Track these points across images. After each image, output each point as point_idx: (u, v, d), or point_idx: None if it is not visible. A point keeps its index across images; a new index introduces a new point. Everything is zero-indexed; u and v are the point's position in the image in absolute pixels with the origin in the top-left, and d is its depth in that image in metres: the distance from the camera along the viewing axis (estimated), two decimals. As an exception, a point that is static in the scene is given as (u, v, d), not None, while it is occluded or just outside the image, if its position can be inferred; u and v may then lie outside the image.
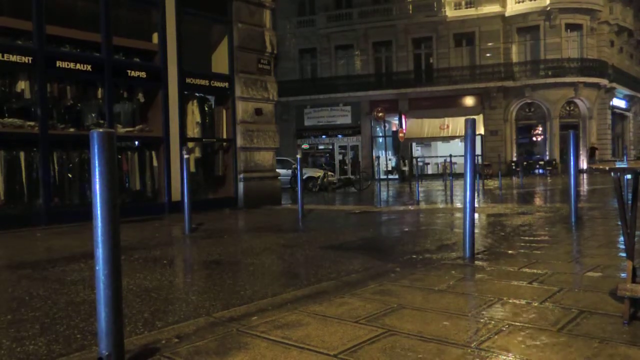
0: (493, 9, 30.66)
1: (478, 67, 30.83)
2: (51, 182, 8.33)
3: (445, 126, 30.28)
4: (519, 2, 30.44)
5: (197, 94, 10.78)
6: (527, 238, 5.44)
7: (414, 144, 32.81)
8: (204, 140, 10.89)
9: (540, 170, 28.73)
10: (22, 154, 8.15)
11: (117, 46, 9.29)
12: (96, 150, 2.16)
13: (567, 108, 30.70)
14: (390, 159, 31.21)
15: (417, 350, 2.21)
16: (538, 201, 12.16)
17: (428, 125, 30.88)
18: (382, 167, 26.46)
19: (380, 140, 33.05)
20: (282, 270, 4.55)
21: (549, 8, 29.49)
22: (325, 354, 2.20)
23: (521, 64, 30.71)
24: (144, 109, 10.06)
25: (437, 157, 30.24)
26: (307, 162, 29.56)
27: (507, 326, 2.49)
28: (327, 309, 2.89)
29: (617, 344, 2.22)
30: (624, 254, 3.95)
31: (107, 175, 2.16)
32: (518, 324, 2.53)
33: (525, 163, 26.96)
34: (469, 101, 30.91)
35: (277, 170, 12.65)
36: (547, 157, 29.88)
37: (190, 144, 10.30)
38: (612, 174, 2.70)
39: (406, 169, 28.16)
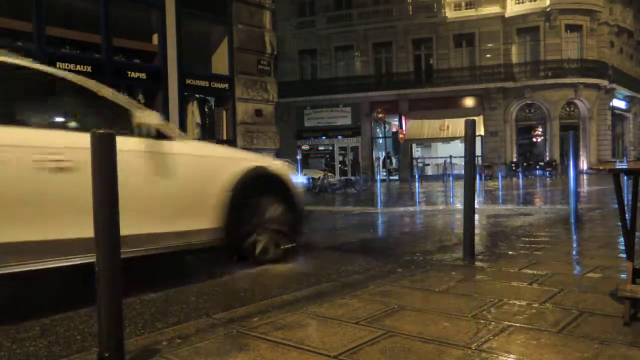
0: (493, 10, 30.68)
1: (478, 68, 30.85)
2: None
3: (445, 127, 30.29)
4: (518, 3, 30.47)
5: (197, 95, 10.76)
6: (527, 239, 5.43)
7: (414, 145, 32.80)
8: (204, 141, 10.89)
9: (540, 171, 28.74)
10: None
11: (117, 47, 9.27)
12: (96, 152, 2.16)
13: (567, 109, 30.72)
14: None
15: (417, 352, 2.21)
16: (538, 202, 12.16)
17: (428, 126, 30.89)
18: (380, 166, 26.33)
19: (381, 141, 33.06)
20: (282, 272, 4.54)
21: (548, 9, 29.52)
22: (326, 355, 2.20)
23: (521, 65, 30.74)
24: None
25: (437, 158, 30.25)
26: (307, 163, 29.56)
27: (507, 327, 2.49)
28: (327, 310, 2.89)
29: (618, 345, 2.22)
30: (624, 255, 3.95)
31: (108, 176, 2.17)
32: (518, 325, 2.52)
33: (525, 164, 26.97)
34: (469, 102, 30.92)
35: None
36: (547, 158, 29.88)
37: (190, 145, 10.28)
38: (612, 174, 2.70)
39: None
